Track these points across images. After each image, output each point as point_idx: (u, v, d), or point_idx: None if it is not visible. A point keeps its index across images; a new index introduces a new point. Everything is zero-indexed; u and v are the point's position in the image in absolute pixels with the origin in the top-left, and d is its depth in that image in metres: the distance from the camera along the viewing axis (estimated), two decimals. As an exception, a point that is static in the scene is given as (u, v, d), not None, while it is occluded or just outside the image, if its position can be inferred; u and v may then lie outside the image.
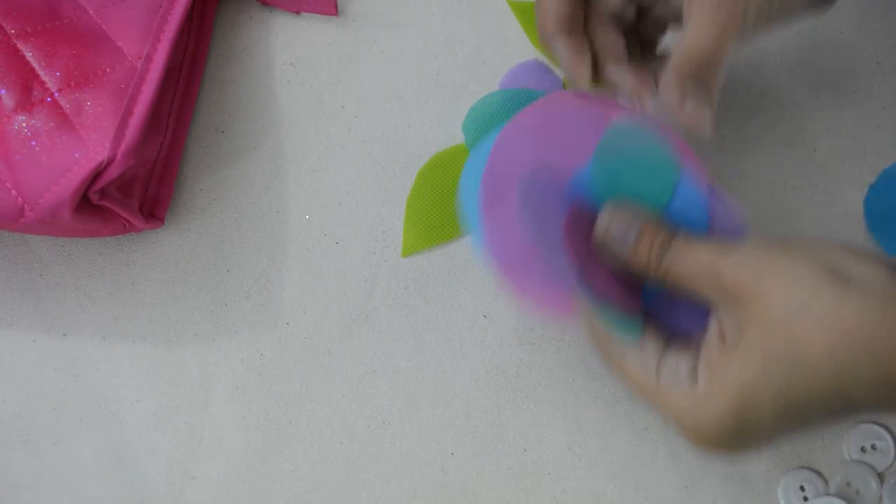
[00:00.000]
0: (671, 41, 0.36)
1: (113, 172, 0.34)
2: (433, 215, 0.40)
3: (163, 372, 0.38)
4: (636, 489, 0.38)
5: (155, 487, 0.36)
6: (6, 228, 0.34)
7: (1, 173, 0.33)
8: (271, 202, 0.40)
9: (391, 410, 0.38)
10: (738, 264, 0.29)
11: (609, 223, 0.32)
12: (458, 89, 0.42)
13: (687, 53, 0.32)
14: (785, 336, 0.28)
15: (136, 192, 0.37)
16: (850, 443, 0.38)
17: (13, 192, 0.33)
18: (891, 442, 0.38)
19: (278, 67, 0.42)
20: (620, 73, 0.36)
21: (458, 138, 0.42)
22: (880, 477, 0.38)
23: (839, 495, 0.37)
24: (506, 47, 0.43)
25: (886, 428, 0.38)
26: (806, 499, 0.37)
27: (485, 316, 0.39)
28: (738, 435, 0.29)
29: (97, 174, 0.33)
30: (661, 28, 0.38)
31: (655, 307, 0.33)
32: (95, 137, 0.34)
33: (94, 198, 0.34)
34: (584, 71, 0.36)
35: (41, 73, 0.35)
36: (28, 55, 0.35)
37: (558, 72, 0.43)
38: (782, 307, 0.28)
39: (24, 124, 0.34)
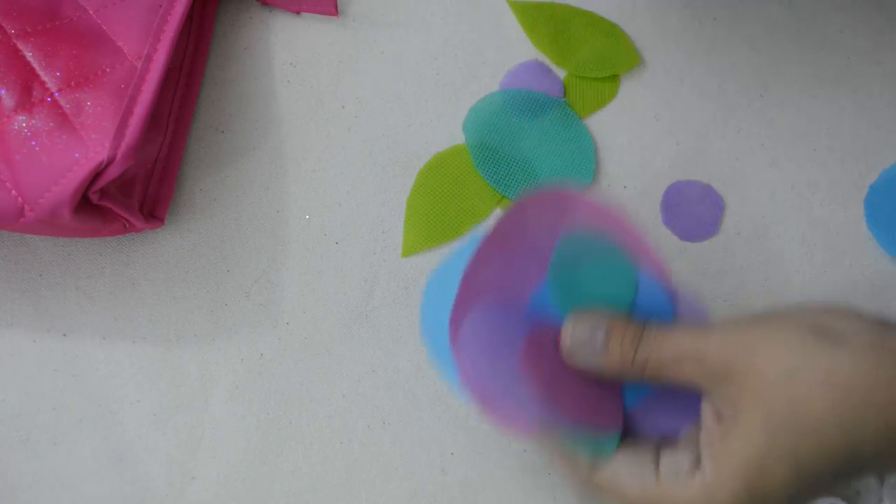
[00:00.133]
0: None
1: (113, 172, 0.34)
2: (433, 215, 0.40)
3: (163, 372, 0.38)
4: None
5: (155, 487, 0.36)
6: (6, 228, 0.34)
7: (1, 173, 0.33)
8: (271, 202, 0.40)
9: (391, 410, 0.38)
10: (721, 342, 0.29)
11: (573, 331, 0.31)
12: (458, 89, 0.42)
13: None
14: (785, 401, 0.27)
15: (136, 192, 0.37)
16: (850, 443, 0.38)
17: (13, 192, 0.33)
18: (891, 442, 0.38)
19: (278, 67, 0.42)
20: None
21: (458, 138, 0.42)
22: (880, 477, 0.38)
23: (839, 495, 0.37)
24: (506, 47, 0.43)
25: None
26: (806, 499, 0.37)
27: (485, 316, 0.39)
28: None
29: (97, 174, 0.33)
30: None
31: (639, 410, 0.33)
32: (95, 137, 0.34)
33: (94, 198, 0.34)
34: None
35: (41, 73, 0.35)
36: (28, 55, 0.35)
37: (558, 72, 0.43)
38: (777, 373, 0.27)
39: (24, 124, 0.34)
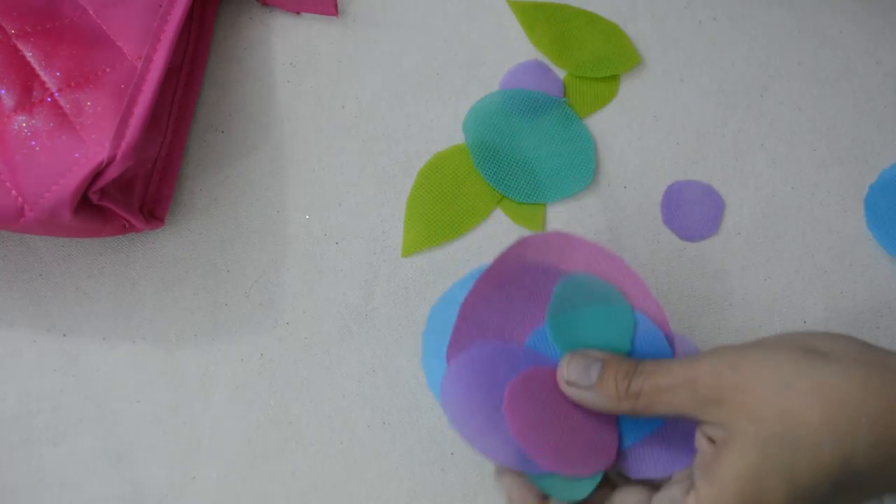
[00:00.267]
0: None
1: (113, 172, 0.34)
2: (433, 215, 0.40)
3: (163, 372, 0.38)
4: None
5: (155, 487, 0.36)
6: (6, 228, 0.34)
7: (1, 173, 0.33)
8: (271, 202, 0.40)
9: (391, 410, 0.38)
10: (713, 366, 0.29)
11: (569, 366, 0.32)
12: (458, 89, 0.42)
13: None
14: (777, 414, 0.27)
15: (136, 192, 0.37)
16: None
17: (13, 192, 0.33)
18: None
19: (278, 68, 0.42)
20: None
21: (458, 138, 0.42)
22: (880, 497, 0.38)
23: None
24: (506, 47, 0.43)
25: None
26: (806, 499, 0.37)
27: (485, 316, 0.39)
28: None
29: (97, 174, 0.33)
30: None
31: (638, 449, 0.33)
32: (95, 137, 0.34)
33: (94, 198, 0.34)
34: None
35: (41, 73, 0.35)
36: (28, 55, 0.35)
37: (558, 72, 0.43)
38: (768, 389, 0.28)
39: (24, 124, 0.34)
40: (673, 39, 0.44)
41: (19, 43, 0.35)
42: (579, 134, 0.42)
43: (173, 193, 0.39)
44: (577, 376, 0.31)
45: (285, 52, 0.42)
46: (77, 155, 0.33)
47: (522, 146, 0.41)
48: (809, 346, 0.29)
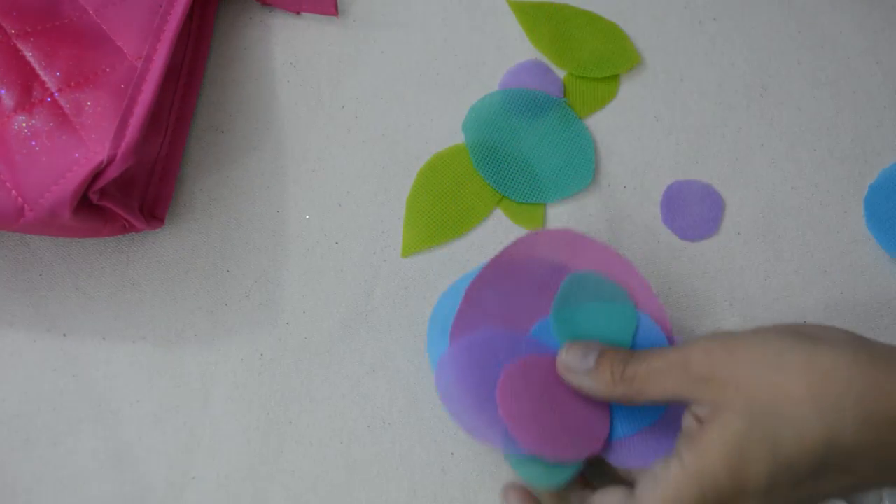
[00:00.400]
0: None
1: (113, 172, 0.34)
2: (433, 215, 0.40)
3: (163, 372, 0.38)
4: (636, 489, 0.38)
5: (155, 487, 0.36)
6: (6, 228, 0.34)
7: (1, 173, 0.33)
8: (271, 202, 0.40)
9: (391, 410, 0.38)
10: (706, 348, 0.30)
11: (568, 352, 0.33)
12: (458, 89, 0.42)
13: None
14: (765, 388, 0.28)
15: (136, 192, 0.37)
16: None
17: (13, 192, 0.33)
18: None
19: (278, 68, 0.42)
20: None
21: (458, 138, 0.42)
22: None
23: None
24: (506, 47, 0.43)
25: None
26: (806, 499, 0.37)
27: (485, 316, 0.39)
28: (733, 497, 0.28)
29: (97, 174, 0.33)
30: None
31: (632, 440, 0.33)
32: (95, 137, 0.34)
33: (94, 198, 0.34)
34: None
35: (41, 73, 0.35)
36: (28, 55, 0.35)
37: (558, 72, 0.43)
38: (758, 366, 0.28)
39: (24, 124, 0.34)
40: (673, 39, 0.44)
41: (19, 43, 0.35)
42: (579, 134, 0.42)
43: (173, 193, 0.39)
44: (574, 361, 0.32)
45: (285, 52, 0.42)
46: (77, 155, 0.33)
47: (522, 146, 0.41)
48: (801, 332, 0.29)
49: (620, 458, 0.33)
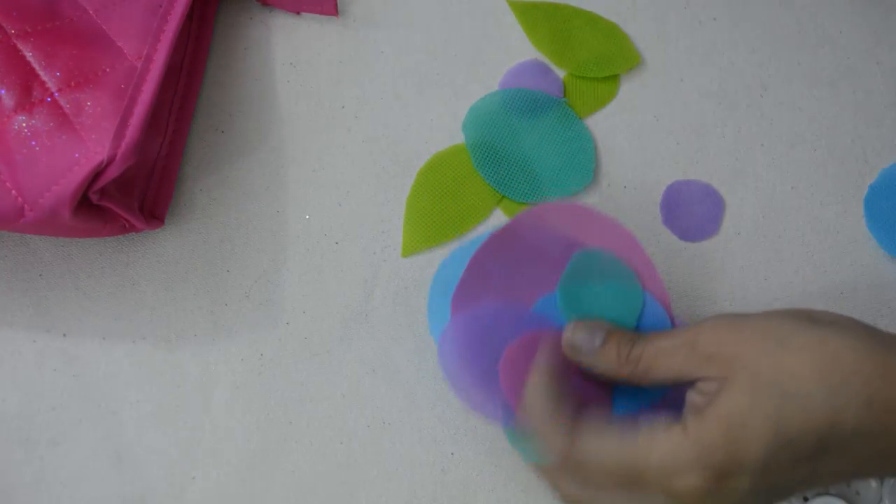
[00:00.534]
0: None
1: (113, 172, 0.34)
2: (433, 215, 0.40)
3: (163, 372, 0.38)
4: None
5: (155, 487, 0.36)
6: (6, 228, 0.34)
7: (1, 173, 0.33)
8: (271, 202, 0.40)
9: (391, 410, 0.38)
10: (713, 326, 0.30)
11: (574, 330, 0.33)
12: (458, 89, 0.42)
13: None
14: (772, 365, 0.28)
15: (136, 192, 0.37)
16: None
17: (13, 192, 0.33)
18: (891, 442, 0.38)
19: (278, 68, 0.42)
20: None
21: (458, 138, 0.42)
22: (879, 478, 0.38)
23: (839, 495, 0.37)
24: (506, 47, 0.43)
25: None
26: (806, 499, 0.37)
27: (485, 316, 0.39)
28: (731, 468, 0.28)
29: (97, 174, 0.33)
30: None
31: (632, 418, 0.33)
32: (95, 137, 0.34)
33: (94, 198, 0.34)
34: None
35: (41, 73, 0.35)
36: (28, 55, 0.35)
37: (558, 72, 0.43)
38: (766, 345, 0.28)
39: (24, 124, 0.34)
40: (673, 39, 0.44)
41: (19, 43, 0.35)
42: (579, 134, 0.42)
43: (173, 193, 0.39)
44: (581, 340, 0.32)
45: (285, 52, 0.42)
46: (77, 155, 0.33)
47: (522, 146, 0.41)
48: (812, 316, 0.29)
49: None
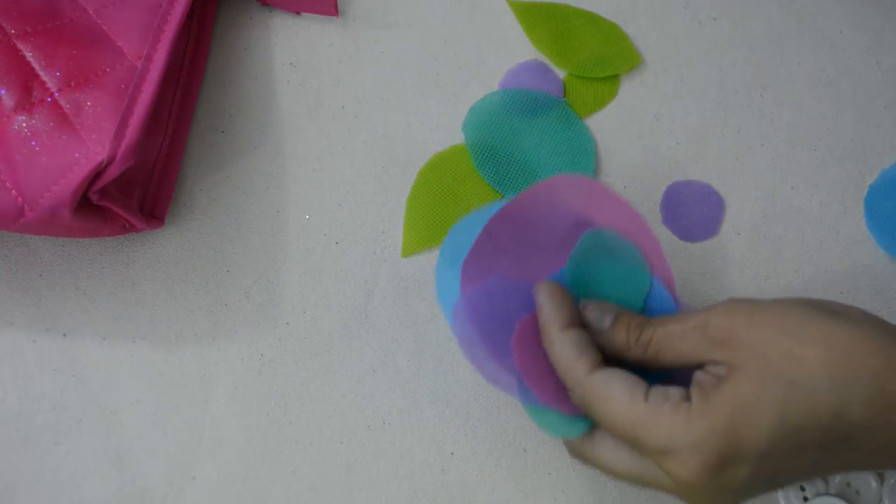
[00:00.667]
0: None
1: (113, 172, 0.34)
2: (433, 215, 0.40)
3: (163, 372, 0.38)
4: (637, 489, 0.38)
5: (155, 487, 0.36)
6: (6, 228, 0.34)
7: (1, 173, 0.33)
8: (271, 202, 0.40)
9: (391, 410, 0.38)
10: (727, 310, 0.30)
11: (583, 312, 0.32)
12: (458, 89, 0.42)
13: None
14: (781, 354, 0.28)
15: (136, 192, 0.37)
16: (851, 443, 0.38)
17: (13, 192, 0.33)
18: (891, 442, 0.38)
19: (278, 68, 0.42)
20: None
21: (458, 138, 0.42)
22: (880, 477, 0.38)
23: (839, 495, 0.37)
24: (506, 47, 0.43)
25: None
26: (806, 499, 0.37)
27: (485, 316, 0.39)
28: (731, 455, 0.28)
29: (97, 174, 0.33)
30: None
31: None
32: (95, 137, 0.34)
33: (94, 198, 0.34)
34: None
35: (41, 73, 0.35)
36: (28, 55, 0.35)
37: (558, 72, 0.43)
38: (777, 333, 0.28)
39: (24, 124, 0.34)
40: (673, 39, 0.44)
41: (19, 43, 0.35)
42: (579, 134, 0.42)
43: (173, 193, 0.39)
44: (591, 321, 0.32)
45: (285, 52, 0.42)
46: (77, 155, 0.33)
47: (522, 146, 0.41)
48: (824, 306, 0.29)
49: None
